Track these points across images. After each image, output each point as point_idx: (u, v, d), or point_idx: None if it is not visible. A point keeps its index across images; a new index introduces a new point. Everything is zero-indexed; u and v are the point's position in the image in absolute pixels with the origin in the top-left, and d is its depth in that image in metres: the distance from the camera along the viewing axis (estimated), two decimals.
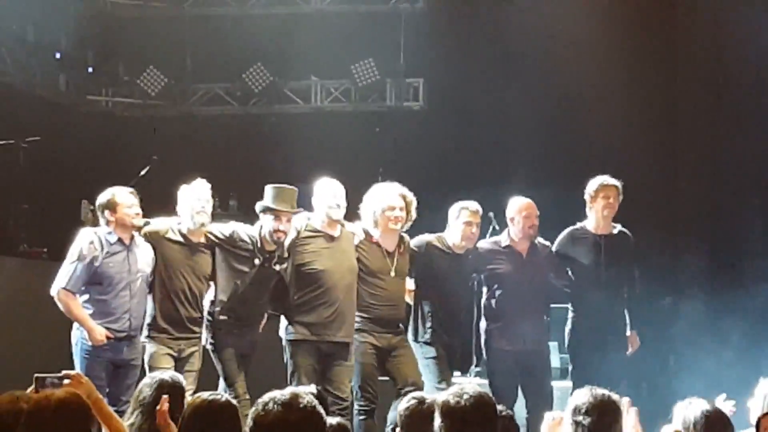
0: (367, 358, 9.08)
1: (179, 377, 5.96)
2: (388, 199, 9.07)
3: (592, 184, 9.72)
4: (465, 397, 4.63)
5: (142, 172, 13.33)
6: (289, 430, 3.87)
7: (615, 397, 4.97)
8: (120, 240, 8.53)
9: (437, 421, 4.66)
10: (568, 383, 10.10)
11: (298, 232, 8.86)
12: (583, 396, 4.95)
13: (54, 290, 8.43)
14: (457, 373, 10.69)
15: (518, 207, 9.57)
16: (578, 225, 9.85)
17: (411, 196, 9.18)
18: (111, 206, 8.53)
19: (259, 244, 8.75)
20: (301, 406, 3.91)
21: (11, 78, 14.27)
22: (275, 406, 3.90)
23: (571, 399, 5.04)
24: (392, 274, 9.13)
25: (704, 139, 12.65)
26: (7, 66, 14.14)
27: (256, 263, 8.74)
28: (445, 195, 13.38)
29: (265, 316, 9.06)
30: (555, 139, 14.01)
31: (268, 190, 8.80)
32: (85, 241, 8.48)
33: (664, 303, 9.77)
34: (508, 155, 14.38)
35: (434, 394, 8.80)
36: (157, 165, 13.18)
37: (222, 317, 8.73)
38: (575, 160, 13.43)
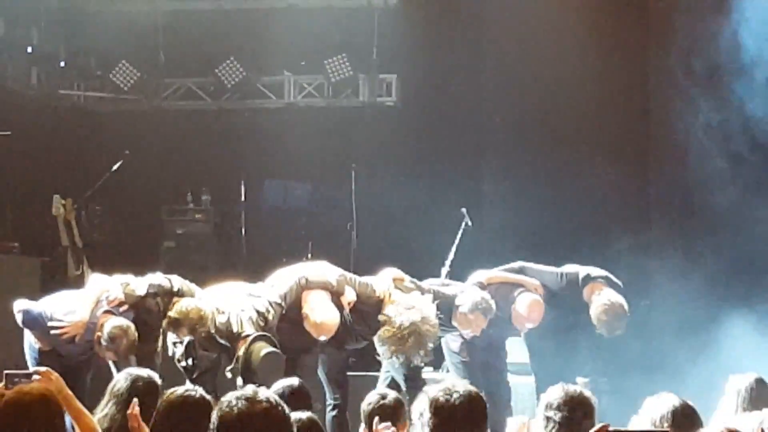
0: (336, 354, 9.13)
1: (154, 375, 5.99)
2: None
3: None
4: (455, 395, 4.64)
5: (115, 167, 13.31)
6: (253, 426, 3.90)
7: (587, 393, 5.00)
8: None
9: (426, 416, 4.67)
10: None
11: None
12: (556, 392, 4.99)
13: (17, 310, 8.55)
14: (428, 369, 10.73)
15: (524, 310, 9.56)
16: None
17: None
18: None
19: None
20: (263, 401, 3.92)
21: None
22: (238, 401, 3.91)
23: (544, 395, 5.08)
24: None
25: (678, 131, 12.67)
26: None
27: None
28: (418, 191, 13.50)
29: None
30: (529, 134, 14.04)
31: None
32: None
33: (640, 305, 9.81)
34: (481, 151, 14.42)
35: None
36: (129, 160, 13.17)
37: None
38: (549, 155, 13.48)
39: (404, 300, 8.83)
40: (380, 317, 8.75)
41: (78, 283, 13.57)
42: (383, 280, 9.20)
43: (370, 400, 6.20)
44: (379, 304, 8.92)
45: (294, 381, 6.26)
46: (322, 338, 8.64)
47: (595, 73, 13.33)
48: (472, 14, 14.38)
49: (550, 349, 9.50)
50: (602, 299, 9.34)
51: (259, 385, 5.71)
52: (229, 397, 3.95)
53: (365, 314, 8.92)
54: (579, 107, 13.51)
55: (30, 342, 8.56)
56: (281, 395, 6.00)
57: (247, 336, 8.26)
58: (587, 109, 13.51)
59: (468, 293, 9.40)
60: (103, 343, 8.29)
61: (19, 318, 8.53)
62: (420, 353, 8.77)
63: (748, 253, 11.87)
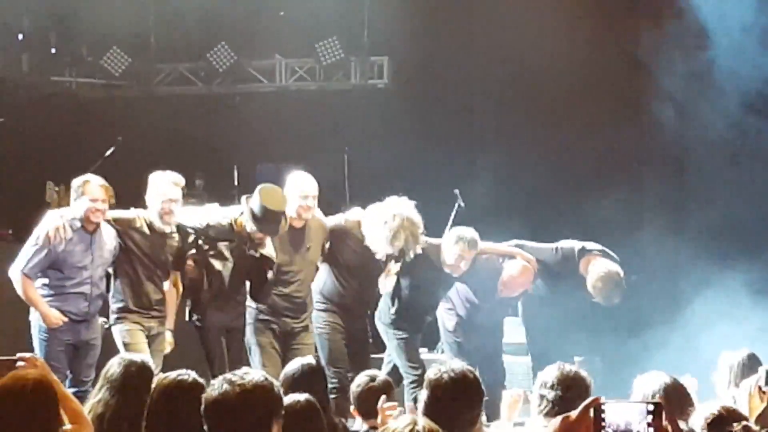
0: (336, 335, 9.18)
1: (148, 359, 6.01)
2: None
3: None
4: (450, 373, 4.71)
5: (107, 153, 13.29)
6: (240, 407, 3.93)
7: (583, 373, 5.03)
8: (83, 228, 8.50)
9: (423, 393, 4.73)
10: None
11: None
12: (551, 371, 5.03)
13: (12, 272, 8.43)
14: (423, 350, 10.76)
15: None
16: None
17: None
18: (78, 193, 8.51)
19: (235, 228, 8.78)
20: (250, 381, 3.98)
21: None
22: (224, 384, 3.98)
23: (540, 374, 5.11)
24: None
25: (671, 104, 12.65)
26: None
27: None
28: (410, 172, 13.49)
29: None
30: (520, 116, 14.05)
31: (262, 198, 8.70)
32: (50, 225, 8.45)
33: (630, 280, 9.82)
34: (473, 132, 14.42)
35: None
36: (122, 146, 13.15)
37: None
38: (541, 132, 13.49)
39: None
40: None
41: None
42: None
43: (359, 381, 6.24)
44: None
45: (310, 360, 6.27)
46: None
47: (585, 47, 13.32)
48: None
49: (546, 328, 9.53)
50: (598, 268, 9.38)
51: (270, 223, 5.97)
52: (218, 380, 3.99)
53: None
54: (570, 81, 13.51)
55: (38, 322, 8.53)
56: (297, 373, 6.05)
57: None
58: (578, 81, 13.51)
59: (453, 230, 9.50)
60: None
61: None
62: (416, 244, 8.91)
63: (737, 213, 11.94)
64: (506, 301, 9.75)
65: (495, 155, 13.28)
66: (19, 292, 8.43)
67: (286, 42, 15.37)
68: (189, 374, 4.90)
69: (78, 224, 8.48)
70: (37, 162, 13.87)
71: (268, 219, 8.57)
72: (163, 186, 8.73)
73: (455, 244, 9.30)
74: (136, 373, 5.71)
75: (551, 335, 9.36)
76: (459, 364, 4.83)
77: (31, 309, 8.52)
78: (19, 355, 5.30)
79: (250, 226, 8.58)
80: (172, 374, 4.88)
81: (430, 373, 4.78)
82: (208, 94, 15.97)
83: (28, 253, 8.42)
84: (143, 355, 6.17)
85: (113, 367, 5.80)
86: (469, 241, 9.31)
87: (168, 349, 8.88)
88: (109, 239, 8.66)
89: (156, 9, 15.38)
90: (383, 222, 8.88)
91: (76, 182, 8.54)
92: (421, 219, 8.98)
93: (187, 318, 8.94)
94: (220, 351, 8.83)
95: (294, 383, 5.90)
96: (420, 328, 9.68)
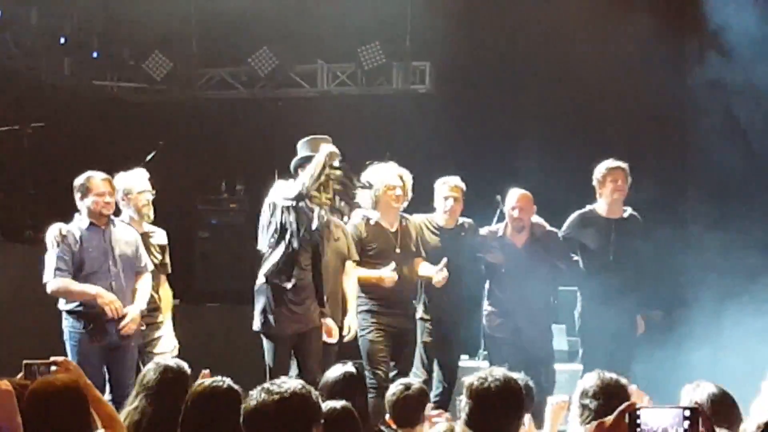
0: (377, 336, 9.15)
1: (184, 364, 5.96)
2: (387, 179, 9.15)
3: (600, 169, 9.73)
4: (491, 380, 4.63)
5: (148, 157, 13.30)
6: (279, 417, 3.89)
7: (623, 381, 4.96)
8: (93, 224, 8.51)
9: (463, 401, 4.65)
10: (576, 366, 10.09)
11: None
12: (591, 380, 4.96)
13: (48, 284, 8.42)
14: (464, 357, 10.70)
15: (509, 200, 9.68)
16: (588, 208, 9.84)
17: (408, 175, 9.27)
18: (83, 191, 8.56)
19: None
20: (288, 392, 3.94)
21: (16, 63, 14.21)
22: (262, 393, 3.95)
23: (580, 382, 5.03)
24: (397, 251, 9.23)
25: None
26: (12, 50, 14.07)
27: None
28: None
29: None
30: (564, 123, 13.95)
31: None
32: (55, 232, 8.49)
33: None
34: (515, 138, 14.31)
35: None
36: (163, 150, 13.16)
37: None
38: (585, 144, 13.36)
39: None
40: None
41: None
42: None
43: (394, 390, 6.18)
44: None
45: (350, 368, 6.23)
46: None
47: (630, 57, 13.21)
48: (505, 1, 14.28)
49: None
50: None
51: None
52: (256, 390, 3.99)
53: None
54: (614, 90, 13.41)
55: (69, 328, 8.53)
56: (338, 380, 6.00)
57: None
58: (622, 90, 13.40)
59: None
60: None
61: None
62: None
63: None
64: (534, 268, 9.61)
65: (537, 160, 13.15)
66: (64, 295, 8.44)
67: (328, 46, 15.34)
68: (224, 381, 4.87)
69: (87, 223, 8.50)
70: (78, 166, 13.86)
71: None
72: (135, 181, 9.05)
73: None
74: (173, 380, 5.66)
75: (604, 343, 9.31)
76: (500, 372, 4.75)
77: (63, 315, 8.53)
78: (52, 358, 5.27)
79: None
80: (207, 381, 4.86)
81: (473, 381, 4.70)
82: (250, 98, 15.96)
83: (51, 260, 8.45)
84: (179, 360, 6.11)
85: (149, 373, 5.76)
86: (450, 181, 9.59)
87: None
88: (127, 233, 8.76)
89: (198, 13, 15.39)
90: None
91: (78, 181, 8.62)
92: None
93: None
94: None
95: (333, 390, 5.85)
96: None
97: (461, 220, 9.84)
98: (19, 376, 5.02)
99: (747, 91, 11.56)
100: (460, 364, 10.07)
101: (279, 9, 14.92)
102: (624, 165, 9.72)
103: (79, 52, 15.31)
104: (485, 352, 10.49)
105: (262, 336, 8.63)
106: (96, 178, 8.63)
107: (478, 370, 5.04)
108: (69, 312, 8.52)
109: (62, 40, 14.87)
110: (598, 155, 10.05)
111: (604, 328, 9.44)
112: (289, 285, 8.44)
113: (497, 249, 9.68)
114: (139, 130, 15.00)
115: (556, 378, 9.81)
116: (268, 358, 8.51)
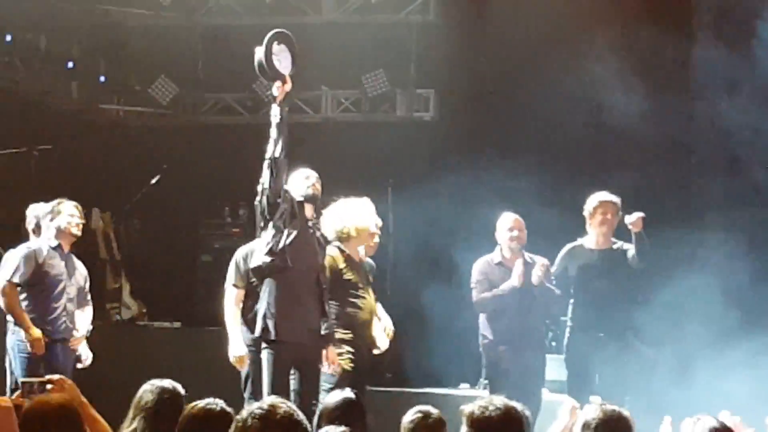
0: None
1: (178, 385, 5.95)
2: (369, 225, 9.20)
3: (591, 201, 9.76)
4: (491, 408, 4.61)
5: (153, 181, 13.36)
6: None
7: (625, 413, 4.93)
8: (60, 246, 9.01)
9: (463, 429, 4.64)
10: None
11: None
12: (593, 411, 4.91)
13: None
14: (465, 385, 10.70)
15: (503, 224, 9.69)
16: (578, 241, 9.87)
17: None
18: (54, 213, 8.98)
19: None
20: (279, 417, 3.89)
21: (24, 86, 14.30)
22: (252, 420, 3.88)
23: (581, 414, 5.02)
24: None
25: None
26: (20, 74, 14.16)
27: None
28: (456, 206, 13.44)
29: None
30: (568, 149, 13.97)
31: None
32: (23, 249, 9.05)
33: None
34: (518, 167, 14.33)
35: None
36: (167, 174, 13.20)
37: None
38: (589, 176, 13.38)
39: None
40: None
41: (116, 295, 13.68)
42: None
43: (411, 418, 6.11)
44: None
45: (349, 394, 6.21)
46: None
47: (642, 81, 13.20)
48: (508, 29, 14.31)
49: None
50: None
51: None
52: (244, 413, 3.91)
53: None
54: (621, 116, 13.40)
55: (16, 342, 8.87)
56: (337, 406, 5.99)
57: None
58: (630, 114, 13.41)
59: None
60: None
61: None
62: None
63: None
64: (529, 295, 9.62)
65: (543, 189, 13.17)
66: (5, 303, 8.90)
67: (332, 73, 15.39)
68: (217, 403, 4.86)
69: (54, 243, 9.10)
70: (84, 189, 13.94)
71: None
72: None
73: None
74: (170, 401, 5.66)
75: (591, 372, 9.31)
76: (501, 400, 4.74)
77: (8, 330, 8.94)
78: (47, 377, 5.31)
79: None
80: (201, 403, 4.85)
81: (473, 410, 4.68)
82: (254, 123, 15.99)
83: (13, 264, 8.89)
84: (174, 382, 6.11)
85: (146, 395, 5.73)
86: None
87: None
88: (80, 265, 9.43)
89: (204, 39, 15.46)
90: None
91: (48, 206, 9.11)
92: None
93: None
94: None
95: (333, 416, 5.85)
96: None
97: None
98: (17, 394, 5.07)
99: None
100: (461, 393, 10.07)
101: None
102: (616, 199, 9.74)
103: (87, 77, 15.39)
104: (486, 381, 10.48)
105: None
106: (66, 202, 9.30)
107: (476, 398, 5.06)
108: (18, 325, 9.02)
109: (70, 65, 14.94)
110: (602, 184, 10.08)
111: (591, 359, 9.46)
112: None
113: (496, 277, 9.69)
114: (144, 154, 15.06)
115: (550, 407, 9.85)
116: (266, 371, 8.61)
